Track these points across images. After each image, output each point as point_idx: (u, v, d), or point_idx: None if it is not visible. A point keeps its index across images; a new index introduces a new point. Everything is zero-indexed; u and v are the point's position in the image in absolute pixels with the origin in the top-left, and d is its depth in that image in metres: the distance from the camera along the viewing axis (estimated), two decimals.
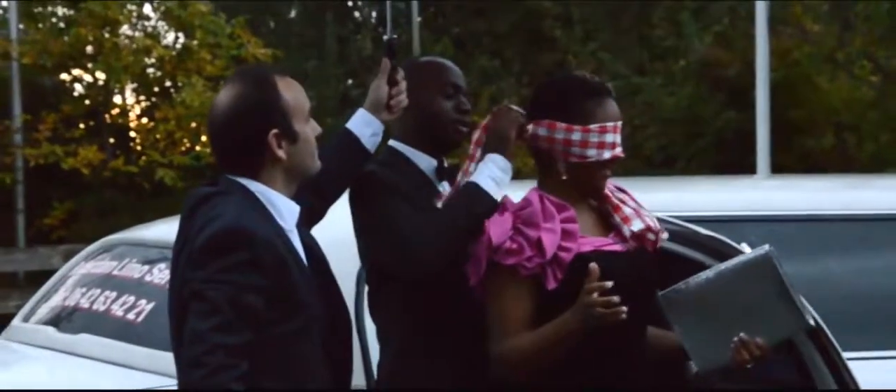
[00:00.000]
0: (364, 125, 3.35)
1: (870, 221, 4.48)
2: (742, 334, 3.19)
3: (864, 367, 3.83)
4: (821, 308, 3.72)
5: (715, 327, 3.20)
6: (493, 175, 3.28)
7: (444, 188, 3.49)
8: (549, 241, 3.14)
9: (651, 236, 3.30)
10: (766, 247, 3.26)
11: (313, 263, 2.98)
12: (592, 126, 3.20)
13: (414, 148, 3.48)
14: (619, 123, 3.26)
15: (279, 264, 2.80)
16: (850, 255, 4.46)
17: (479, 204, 3.24)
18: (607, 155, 3.21)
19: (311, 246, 3.02)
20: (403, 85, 3.39)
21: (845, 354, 3.69)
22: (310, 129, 2.96)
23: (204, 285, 2.73)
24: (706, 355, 3.22)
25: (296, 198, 2.98)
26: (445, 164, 3.53)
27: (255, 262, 2.75)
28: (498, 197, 3.27)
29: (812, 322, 3.30)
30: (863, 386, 3.66)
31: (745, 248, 3.65)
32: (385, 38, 3.49)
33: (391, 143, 3.51)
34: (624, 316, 3.02)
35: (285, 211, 2.93)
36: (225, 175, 2.93)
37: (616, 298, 3.02)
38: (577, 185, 3.25)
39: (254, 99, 2.88)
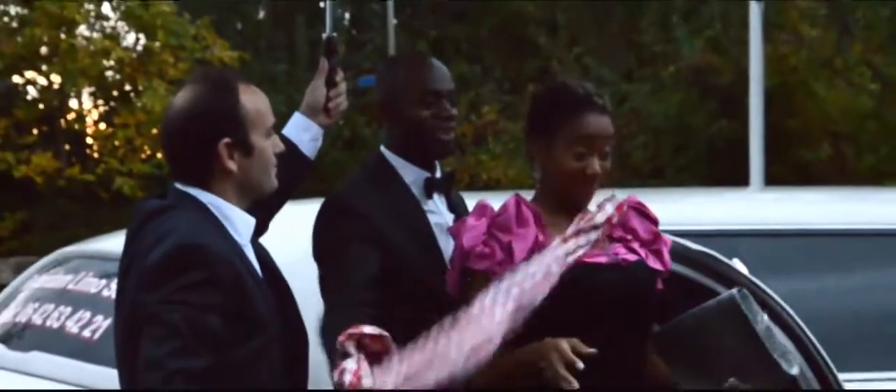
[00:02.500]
0: (301, 130, 3.32)
1: (869, 237, 4.49)
2: (732, 380, 3.22)
3: (866, 390, 3.84)
4: (817, 328, 3.73)
5: (706, 371, 3.21)
6: None
7: (434, 204, 3.43)
8: (520, 247, 3.21)
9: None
10: (734, 290, 3.24)
11: (268, 279, 2.94)
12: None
13: (402, 157, 3.42)
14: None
15: (237, 282, 2.76)
16: (848, 273, 4.48)
17: None
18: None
19: (265, 260, 2.98)
20: (342, 86, 3.35)
21: (844, 376, 3.70)
22: (270, 145, 2.89)
23: (159, 307, 2.68)
24: None
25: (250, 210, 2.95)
26: (438, 174, 3.46)
27: (213, 280, 2.71)
28: None
29: (795, 371, 3.25)
30: None
31: (736, 263, 3.67)
32: (324, 35, 3.42)
33: (382, 149, 3.45)
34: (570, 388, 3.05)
35: (241, 225, 2.88)
36: (174, 186, 2.88)
37: (578, 366, 3.04)
38: (555, 194, 3.30)
39: (209, 104, 2.83)
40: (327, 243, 3.28)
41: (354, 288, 3.16)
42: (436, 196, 3.45)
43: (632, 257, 3.33)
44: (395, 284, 3.22)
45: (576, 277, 3.20)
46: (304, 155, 3.32)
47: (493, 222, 3.25)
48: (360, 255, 3.20)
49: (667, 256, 3.41)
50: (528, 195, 3.39)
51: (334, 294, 3.19)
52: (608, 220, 3.28)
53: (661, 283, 3.38)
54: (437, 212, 3.45)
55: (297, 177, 3.32)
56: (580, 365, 3.04)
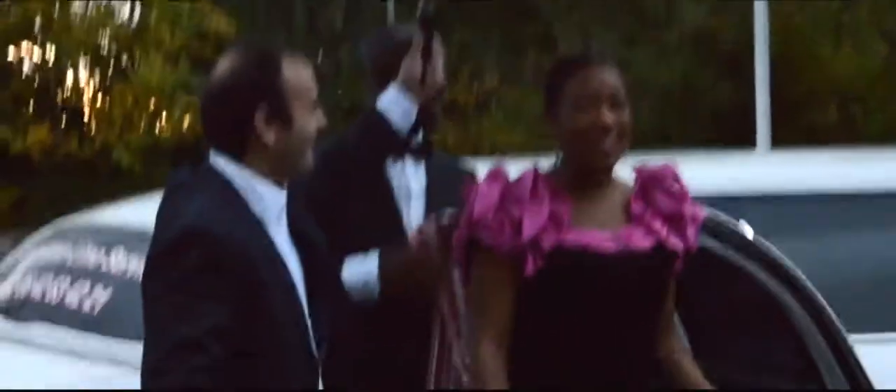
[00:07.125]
0: (394, 104, 3.33)
1: (878, 198, 4.49)
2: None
3: (872, 351, 3.85)
4: (826, 291, 3.73)
5: None
6: None
7: (400, 168, 3.47)
8: (530, 224, 3.12)
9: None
10: None
11: (307, 254, 2.84)
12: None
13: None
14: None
15: (247, 267, 2.65)
16: (856, 235, 4.48)
17: None
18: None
19: (306, 233, 2.86)
20: (440, 60, 3.35)
21: (851, 337, 3.71)
22: (313, 120, 2.79)
23: (160, 294, 2.62)
24: None
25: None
26: (419, 139, 3.48)
27: (217, 266, 2.61)
28: None
29: None
30: (870, 370, 3.68)
31: (744, 225, 3.67)
32: (420, 5, 3.35)
33: (376, 108, 3.42)
34: None
35: (269, 200, 2.77)
36: (209, 156, 2.80)
37: None
38: (574, 163, 3.21)
39: (248, 73, 2.75)
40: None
41: None
42: (407, 160, 3.47)
43: (646, 244, 3.19)
44: (340, 236, 3.22)
45: (576, 264, 3.12)
46: (394, 130, 3.37)
47: (507, 192, 3.16)
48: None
49: (691, 233, 3.25)
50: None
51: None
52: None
53: (681, 262, 3.23)
54: (400, 176, 3.48)
55: (386, 152, 3.39)
56: None
